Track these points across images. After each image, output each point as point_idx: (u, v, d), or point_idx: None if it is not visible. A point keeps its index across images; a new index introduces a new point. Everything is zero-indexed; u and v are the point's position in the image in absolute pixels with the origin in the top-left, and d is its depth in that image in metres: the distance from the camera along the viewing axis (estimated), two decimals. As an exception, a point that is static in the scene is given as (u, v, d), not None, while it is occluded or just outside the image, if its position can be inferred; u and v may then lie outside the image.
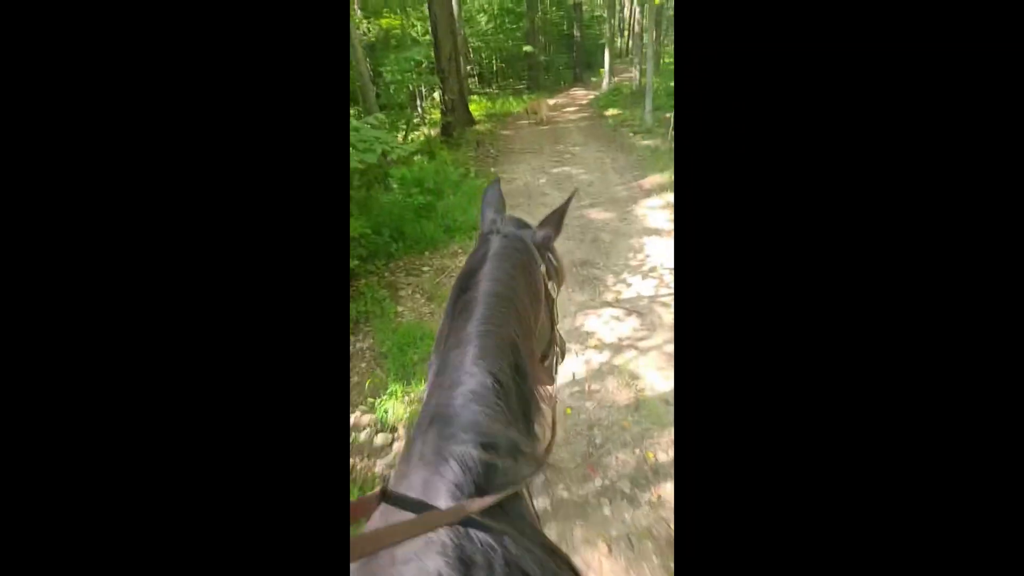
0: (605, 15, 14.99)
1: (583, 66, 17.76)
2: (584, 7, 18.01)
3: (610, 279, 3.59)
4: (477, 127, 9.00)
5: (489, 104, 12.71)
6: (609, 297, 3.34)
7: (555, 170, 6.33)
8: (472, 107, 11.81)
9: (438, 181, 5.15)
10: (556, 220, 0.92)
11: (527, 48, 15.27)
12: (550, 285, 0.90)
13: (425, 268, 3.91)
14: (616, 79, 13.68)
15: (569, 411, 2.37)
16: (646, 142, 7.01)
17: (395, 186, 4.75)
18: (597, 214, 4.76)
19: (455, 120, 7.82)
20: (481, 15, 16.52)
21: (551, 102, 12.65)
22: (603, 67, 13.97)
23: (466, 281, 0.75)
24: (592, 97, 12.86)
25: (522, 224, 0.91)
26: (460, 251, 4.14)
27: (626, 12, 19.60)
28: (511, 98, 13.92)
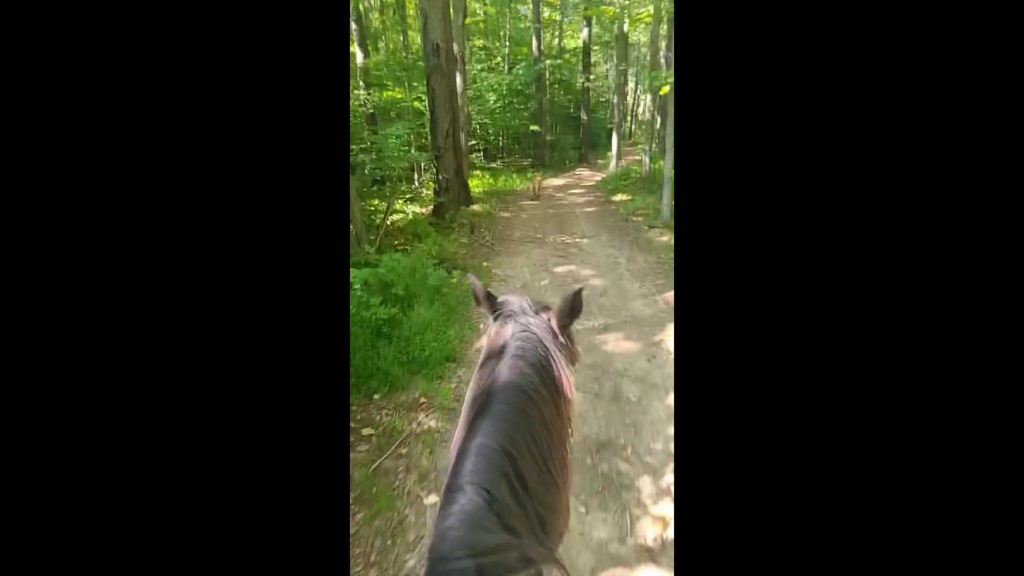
0: (613, 100, 15.04)
1: (588, 147, 17.70)
2: (591, 91, 18.32)
3: (645, 484, 2.22)
4: (474, 207, 8.17)
5: (491, 180, 12.13)
6: (650, 533, 1.91)
7: (560, 268, 5.29)
8: (473, 182, 11.23)
9: (411, 284, 4.04)
10: (574, 304, 0.87)
11: (534, 128, 15.11)
12: (567, 374, 0.84)
13: (366, 431, 2.62)
14: (623, 162, 13.29)
15: None
16: (665, 238, 6.07)
17: (355, 291, 3.61)
18: (616, 343, 3.58)
19: (449, 200, 6.96)
20: (491, 93, 16.68)
21: (558, 182, 12.11)
22: (610, 150, 13.66)
23: (482, 389, 0.75)
24: (599, 179, 12.34)
25: (540, 307, 0.91)
26: (424, 402, 2.91)
27: (629, 99, 20.03)
28: (514, 175, 13.45)
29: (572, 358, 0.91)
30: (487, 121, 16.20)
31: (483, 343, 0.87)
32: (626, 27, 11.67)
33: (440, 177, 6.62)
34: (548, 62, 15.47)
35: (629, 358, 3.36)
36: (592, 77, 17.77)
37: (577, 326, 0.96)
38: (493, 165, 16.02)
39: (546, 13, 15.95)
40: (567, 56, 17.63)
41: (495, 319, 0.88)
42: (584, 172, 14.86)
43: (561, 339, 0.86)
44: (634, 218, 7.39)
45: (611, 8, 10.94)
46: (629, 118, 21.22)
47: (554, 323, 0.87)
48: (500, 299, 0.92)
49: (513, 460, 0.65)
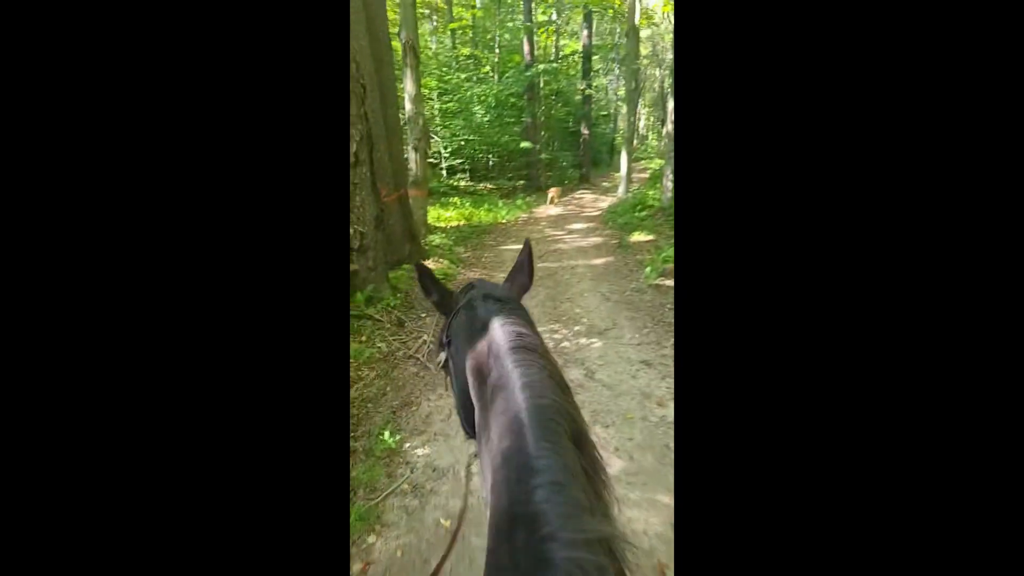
0: (621, 110, 12.63)
1: (590, 165, 15.31)
2: (593, 101, 15.99)
3: None
4: (428, 263, 5.64)
5: (470, 210, 9.61)
6: None
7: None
8: (447, 213, 8.80)
9: None
10: (527, 266, 0.89)
11: (525, 144, 12.70)
12: None
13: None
14: (635, 184, 10.84)
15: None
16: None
17: None
18: None
19: (369, 268, 4.04)
20: (478, 107, 14.40)
21: (553, 211, 9.62)
22: (617, 170, 11.26)
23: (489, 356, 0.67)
24: (605, 207, 9.89)
25: (507, 294, 0.83)
26: None
27: (639, 110, 17.74)
28: (500, 201, 11.01)
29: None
30: (474, 137, 13.88)
31: (462, 360, 0.74)
32: (637, 19, 9.28)
33: (353, 230, 4.03)
34: (542, 67, 13.08)
35: None
36: (594, 85, 15.45)
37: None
38: (478, 187, 13.69)
39: (543, 16, 13.69)
40: (564, 63, 15.30)
41: (453, 317, 0.82)
42: (586, 196, 12.45)
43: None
44: (666, 282, 4.85)
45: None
46: (636, 132, 18.83)
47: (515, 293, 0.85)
48: (458, 290, 0.86)
49: (571, 419, 0.58)
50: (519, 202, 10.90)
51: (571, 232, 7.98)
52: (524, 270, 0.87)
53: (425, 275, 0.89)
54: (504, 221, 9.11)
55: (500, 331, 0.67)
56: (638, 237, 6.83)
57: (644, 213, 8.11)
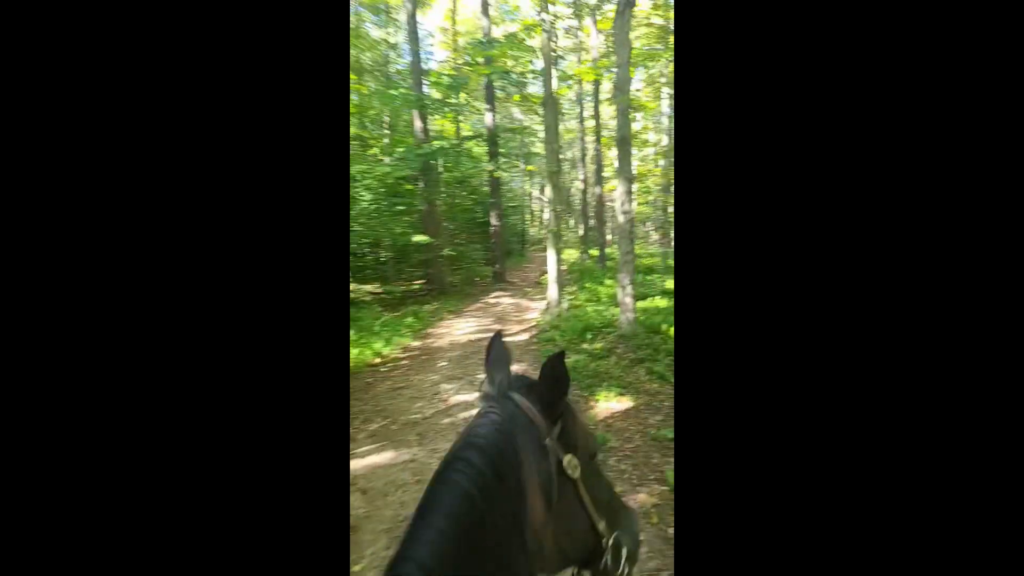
0: (543, 193, 10.45)
1: (503, 259, 12.80)
2: (502, 187, 13.94)
3: None
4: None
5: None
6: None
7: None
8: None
9: None
10: (554, 372, 0.71)
11: (419, 238, 9.77)
12: (566, 461, 0.70)
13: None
14: (569, 296, 8.25)
15: None
16: None
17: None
18: None
19: None
20: (364, 192, 11.42)
21: (459, 329, 6.32)
22: (544, 270, 8.70)
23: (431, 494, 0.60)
24: (536, 320, 6.98)
25: (528, 385, 0.74)
26: None
27: (546, 192, 16.27)
28: (384, 313, 7.63)
29: (576, 441, 0.74)
30: (357, 228, 10.67)
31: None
32: (555, 86, 7.21)
33: None
34: (437, 144, 10.62)
35: None
36: (504, 164, 13.45)
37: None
38: (367, 290, 10.31)
39: (436, 94, 11.61)
40: (465, 145, 13.21)
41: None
42: (503, 299, 9.63)
43: (549, 424, 0.70)
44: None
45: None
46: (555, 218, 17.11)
47: (534, 409, 0.70)
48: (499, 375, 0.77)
49: None
50: (408, 319, 7.61)
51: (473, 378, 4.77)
52: (548, 384, 0.72)
53: (494, 349, 0.81)
54: (387, 354, 5.70)
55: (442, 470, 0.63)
56: (607, 404, 3.84)
57: (599, 344, 5.26)
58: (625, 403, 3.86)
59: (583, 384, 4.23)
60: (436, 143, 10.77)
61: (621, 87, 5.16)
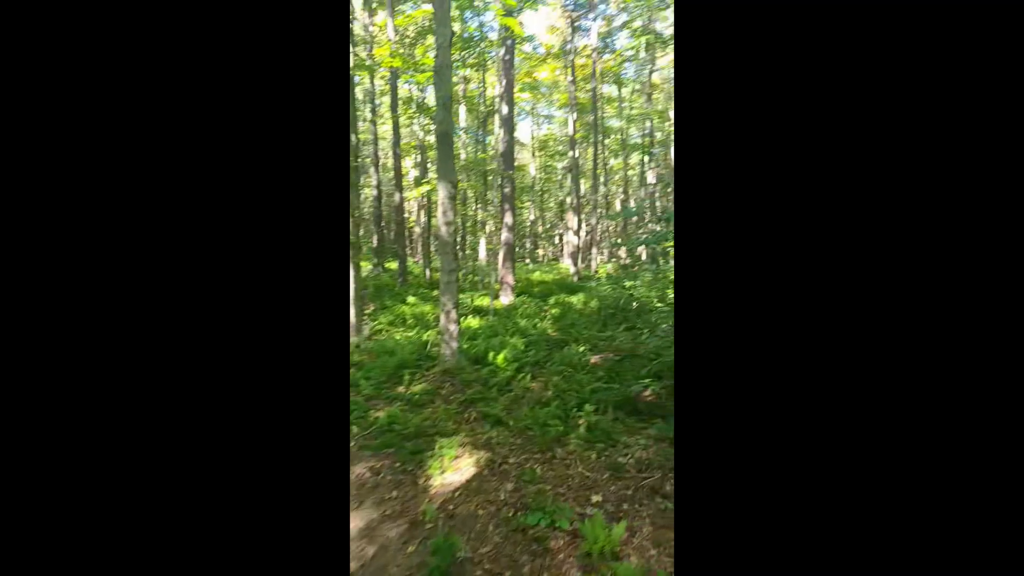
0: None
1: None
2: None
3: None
4: None
5: None
6: None
7: None
8: None
9: None
10: None
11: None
12: None
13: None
14: (372, 319, 6.86)
15: None
16: None
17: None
18: None
19: None
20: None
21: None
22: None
23: None
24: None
25: None
26: None
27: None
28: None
29: None
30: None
31: None
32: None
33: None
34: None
35: None
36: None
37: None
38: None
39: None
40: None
41: None
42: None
43: None
44: None
45: None
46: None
47: None
48: None
49: None
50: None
51: None
52: None
53: None
54: None
55: None
56: (441, 478, 2.83)
57: (420, 385, 4.17)
58: (465, 469, 2.92)
59: (406, 453, 3.09)
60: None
61: (441, 73, 4.28)
